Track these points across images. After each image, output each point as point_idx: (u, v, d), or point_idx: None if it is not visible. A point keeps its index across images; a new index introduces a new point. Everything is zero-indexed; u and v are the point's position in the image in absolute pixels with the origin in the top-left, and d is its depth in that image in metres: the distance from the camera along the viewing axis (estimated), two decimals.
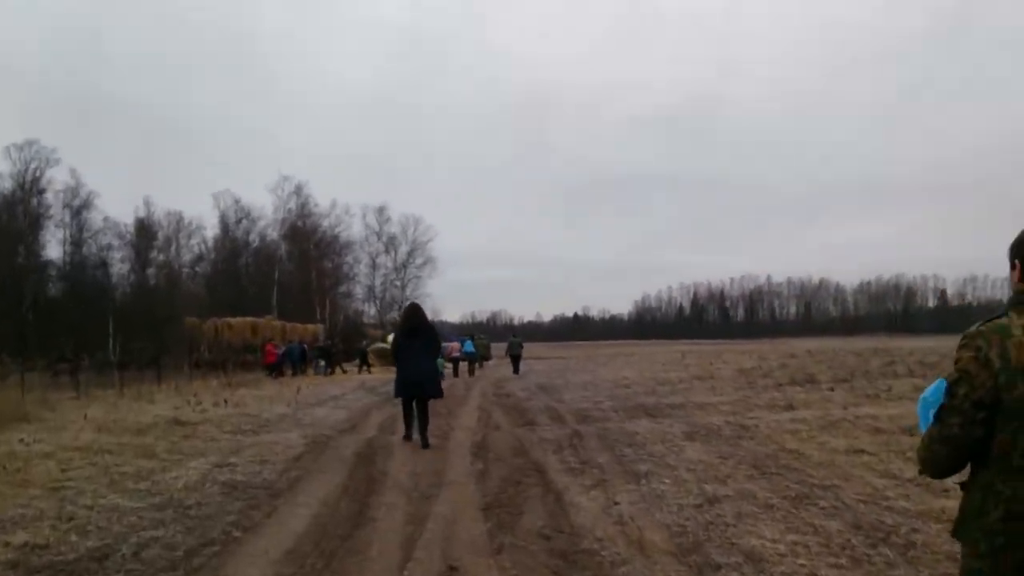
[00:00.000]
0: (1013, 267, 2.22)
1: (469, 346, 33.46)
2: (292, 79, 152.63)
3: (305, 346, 39.14)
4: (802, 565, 4.49)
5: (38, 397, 20.66)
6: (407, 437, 10.00)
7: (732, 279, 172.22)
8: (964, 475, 2.20)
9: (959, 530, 2.21)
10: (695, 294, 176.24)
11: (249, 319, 39.79)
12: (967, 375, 2.11)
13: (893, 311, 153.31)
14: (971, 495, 2.18)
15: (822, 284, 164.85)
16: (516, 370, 33.11)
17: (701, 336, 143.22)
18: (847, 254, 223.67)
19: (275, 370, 34.24)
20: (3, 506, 6.59)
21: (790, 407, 11.85)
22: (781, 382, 16.33)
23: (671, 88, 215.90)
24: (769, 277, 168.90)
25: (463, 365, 32.59)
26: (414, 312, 10.73)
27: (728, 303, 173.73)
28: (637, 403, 13.91)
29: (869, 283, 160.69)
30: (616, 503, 6.09)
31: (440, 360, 31.37)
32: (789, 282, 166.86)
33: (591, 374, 28.63)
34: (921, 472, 2.28)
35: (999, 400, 2.06)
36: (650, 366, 32.21)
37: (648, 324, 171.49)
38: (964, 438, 2.12)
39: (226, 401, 16.05)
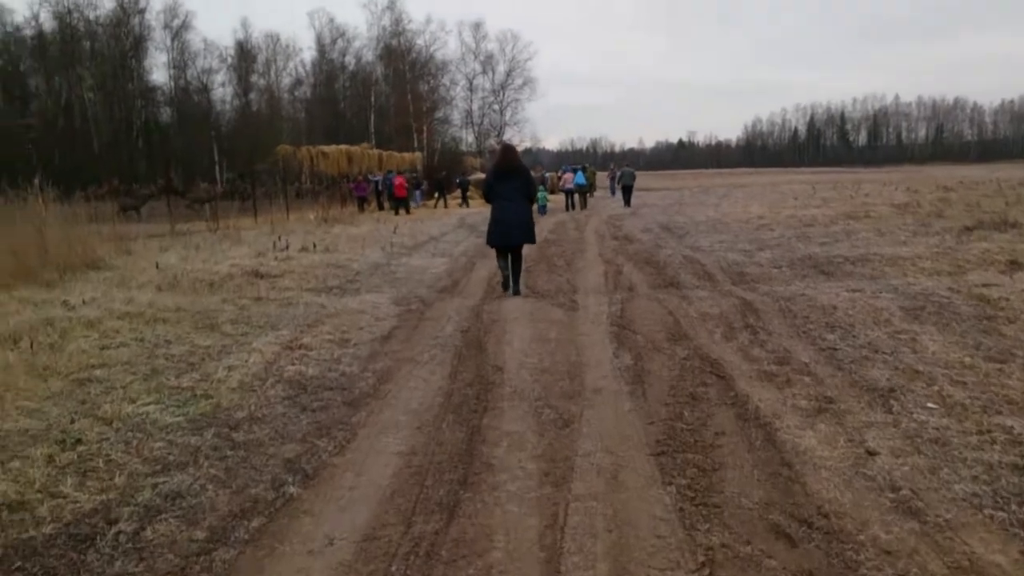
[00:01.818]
0: None
1: (580, 177, 31.08)
2: None
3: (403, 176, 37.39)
4: None
5: (120, 233, 19.64)
6: (505, 287, 9.39)
7: (854, 99, 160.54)
8: None
9: None
10: (811, 117, 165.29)
11: (344, 147, 37.90)
12: None
13: None
14: None
15: (957, 104, 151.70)
16: (627, 202, 30.93)
17: (817, 164, 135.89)
18: (986, 70, 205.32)
19: (362, 204, 32.70)
20: (4, 411, 4.90)
21: (1015, 263, 9.17)
22: (968, 224, 13.42)
23: None
24: (896, 97, 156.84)
25: (575, 198, 30.47)
26: (508, 153, 9.98)
27: (849, 126, 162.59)
28: (799, 254, 11.41)
29: (1012, 102, 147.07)
30: (871, 452, 3.88)
31: (543, 194, 29.41)
32: (919, 102, 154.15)
33: (714, 209, 25.96)
34: None
35: None
36: (780, 200, 29.21)
37: (759, 150, 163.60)
38: None
39: (315, 245, 14.33)
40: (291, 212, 30.03)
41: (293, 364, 5.99)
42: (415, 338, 6.92)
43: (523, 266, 9.71)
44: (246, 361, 6.05)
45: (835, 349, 5.81)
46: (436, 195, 35.56)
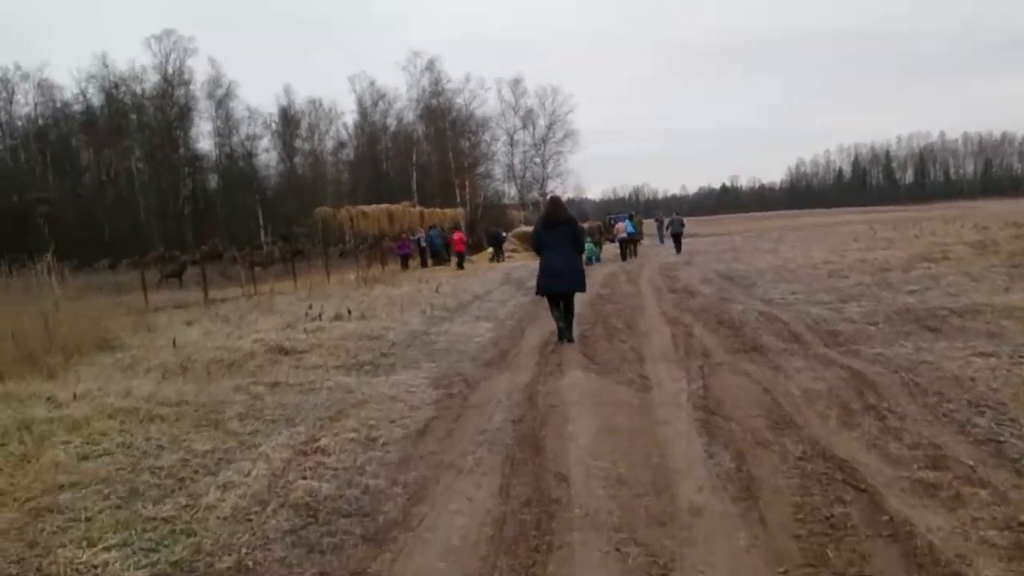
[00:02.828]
0: None
1: (630, 226, 30.24)
2: None
3: (444, 233, 36.57)
4: None
5: (153, 303, 18.88)
6: (560, 338, 9.47)
7: (898, 138, 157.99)
8: None
9: None
10: (856, 156, 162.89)
11: (384, 206, 37.28)
12: None
13: None
14: None
15: (1004, 138, 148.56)
16: (678, 249, 30.05)
17: (864, 203, 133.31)
18: None
19: (405, 262, 31.93)
20: None
21: None
22: None
23: None
24: (942, 134, 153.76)
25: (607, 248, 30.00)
26: (555, 205, 10.17)
27: (895, 165, 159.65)
28: (892, 306, 9.95)
29: None
30: None
31: (591, 246, 28.43)
32: (965, 138, 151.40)
33: (773, 255, 24.53)
34: None
35: None
36: (841, 242, 27.66)
37: (803, 192, 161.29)
38: None
39: (350, 312, 13.26)
40: (333, 273, 29.30)
41: (305, 477, 4.80)
42: (457, 433, 5.70)
43: (576, 322, 9.93)
44: (247, 475, 4.88)
45: (998, 441, 4.44)
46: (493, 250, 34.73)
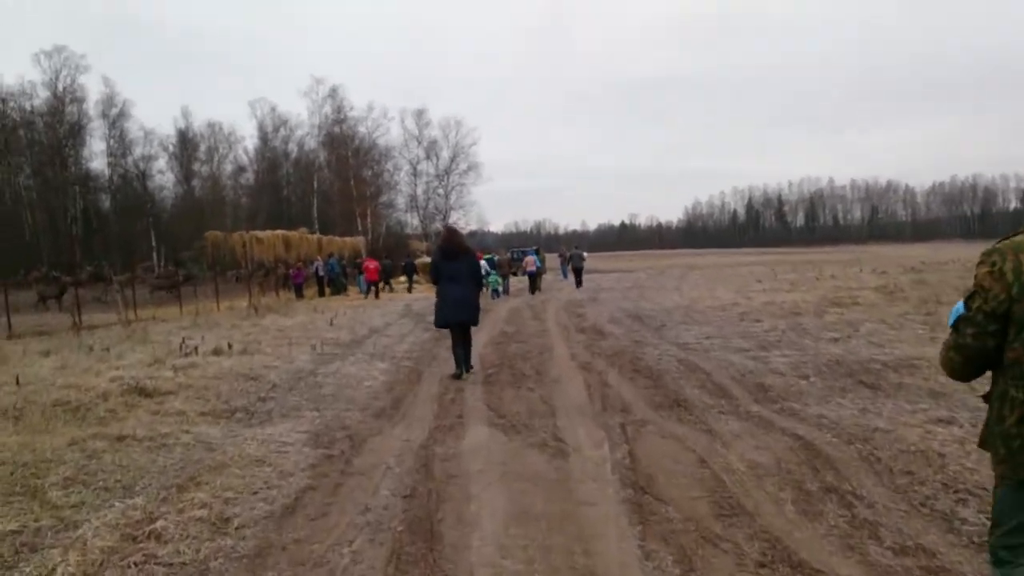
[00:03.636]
0: None
1: (536, 260, 30.00)
2: None
3: (343, 262, 35.16)
4: None
5: (9, 332, 17.04)
6: (456, 375, 9.40)
7: (789, 183, 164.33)
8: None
9: (984, 440, 2.37)
10: (750, 199, 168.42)
11: (280, 232, 35.58)
12: (981, 289, 2.25)
13: (970, 214, 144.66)
14: (991, 404, 2.34)
15: (890, 186, 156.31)
16: (579, 283, 30.50)
17: (758, 244, 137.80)
18: (917, 154, 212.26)
19: (300, 291, 30.46)
20: None
21: None
22: None
23: None
24: (831, 180, 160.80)
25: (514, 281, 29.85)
26: (452, 236, 10.23)
27: (786, 208, 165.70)
28: (819, 357, 9.27)
29: (943, 184, 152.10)
30: None
31: (495, 276, 27.69)
32: (853, 185, 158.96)
33: (679, 294, 24.20)
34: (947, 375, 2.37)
35: (1011, 312, 2.20)
36: (744, 283, 27.62)
37: (700, 231, 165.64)
38: (977, 347, 2.27)
39: (230, 345, 11.93)
40: (225, 300, 27.49)
41: None
42: (333, 512, 4.59)
43: (479, 363, 10.14)
44: (49, 574, 3.69)
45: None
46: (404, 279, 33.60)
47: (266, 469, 5.46)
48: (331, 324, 16.65)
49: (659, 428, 6.34)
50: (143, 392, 8.34)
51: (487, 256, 30.81)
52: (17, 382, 8.94)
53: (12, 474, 5.36)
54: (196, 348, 11.64)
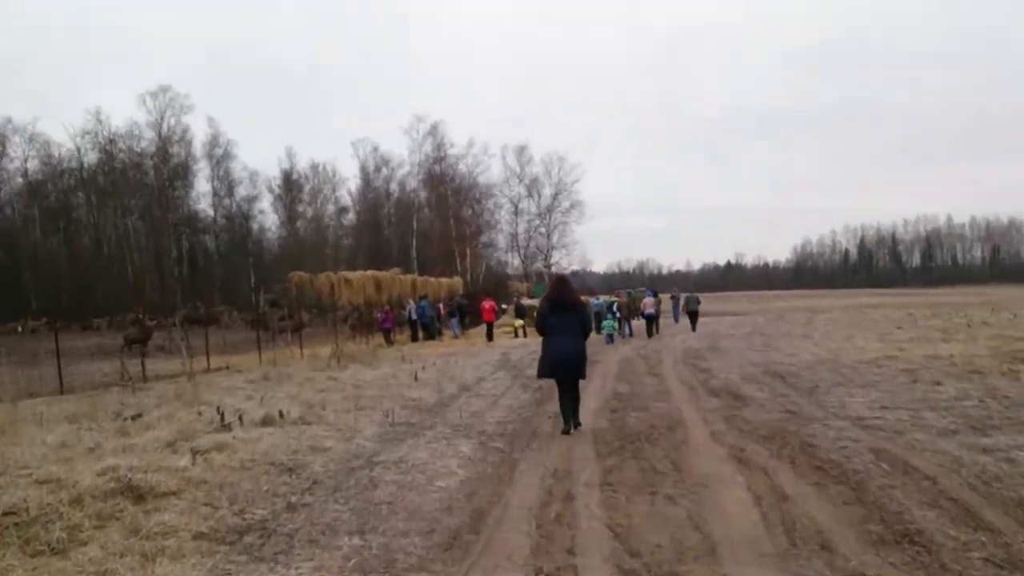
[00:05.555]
0: None
1: (654, 302, 28.15)
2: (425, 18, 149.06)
3: (440, 304, 33.08)
4: None
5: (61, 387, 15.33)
6: (565, 431, 8.60)
7: (904, 221, 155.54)
8: None
9: None
10: (862, 238, 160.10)
11: (370, 272, 33.87)
12: None
13: None
14: None
15: (1012, 224, 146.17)
16: (694, 327, 28.82)
17: (870, 285, 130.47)
18: None
19: (388, 337, 28.41)
20: None
21: None
22: None
23: (823, 15, 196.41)
24: (949, 218, 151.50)
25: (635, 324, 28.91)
26: (562, 287, 9.59)
27: (901, 247, 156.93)
28: None
29: None
30: None
31: (609, 322, 25.16)
32: (973, 223, 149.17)
33: (811, 343, 21.22)
34: None
35: None
36: (885, 330, 24.33)
37: (809, 271, 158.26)
38: None
39: (282, 414, 9.69)
40: (312, 345, 25.76)
41: None
42: None
43: (587, 425, 9.14)
44: None
45: None
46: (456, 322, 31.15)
47: None
48: (415, 379, 14.38)
49: None
50: (134, 493, 6.10)
51: (608, 300, 28.62)
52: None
53: None
54: (241, 417, 9.45)
